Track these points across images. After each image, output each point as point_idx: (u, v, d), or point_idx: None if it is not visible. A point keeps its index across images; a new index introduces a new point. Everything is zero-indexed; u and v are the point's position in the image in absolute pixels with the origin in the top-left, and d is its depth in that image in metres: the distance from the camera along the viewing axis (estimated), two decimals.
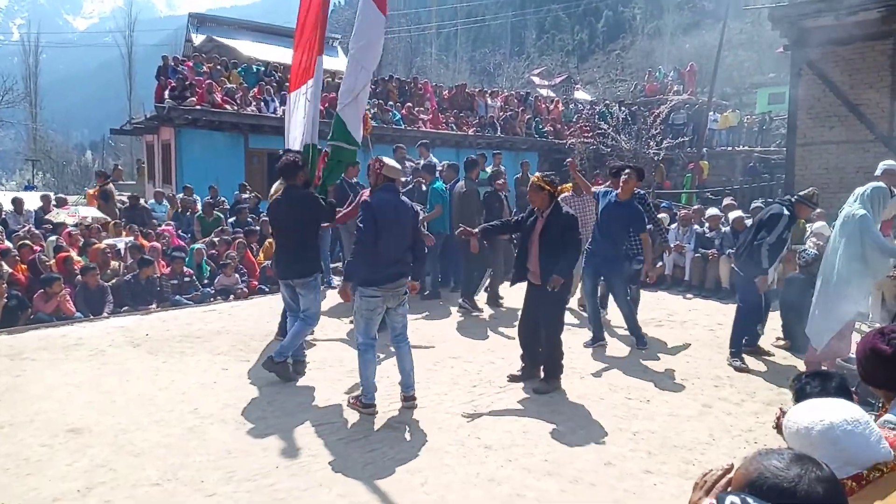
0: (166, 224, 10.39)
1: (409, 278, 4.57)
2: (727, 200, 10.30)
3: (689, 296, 8.61)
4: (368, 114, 7.08)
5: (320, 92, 5.91)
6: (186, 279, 8.08)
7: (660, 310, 7.71)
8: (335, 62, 24.11)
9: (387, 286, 4.35)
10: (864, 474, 1.56)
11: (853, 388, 2.50)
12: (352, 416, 4.37)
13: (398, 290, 4.44)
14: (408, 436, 4.08)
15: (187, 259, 8.44)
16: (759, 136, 23.07)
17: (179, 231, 10.33)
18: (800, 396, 2.11)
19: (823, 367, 4.74)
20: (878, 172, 6.15)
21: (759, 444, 3.93)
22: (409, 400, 4.58)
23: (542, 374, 5.04)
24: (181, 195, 12.22)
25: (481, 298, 7.75)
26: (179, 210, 11.35)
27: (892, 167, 6.33)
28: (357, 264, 4.38)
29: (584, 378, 5.26)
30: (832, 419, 1.57)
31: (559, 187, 4.93)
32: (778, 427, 2.28)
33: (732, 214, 8.95)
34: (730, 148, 22.32)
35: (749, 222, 8.73)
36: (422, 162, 9.07)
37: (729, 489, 1.41)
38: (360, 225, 4.31)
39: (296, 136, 5.81)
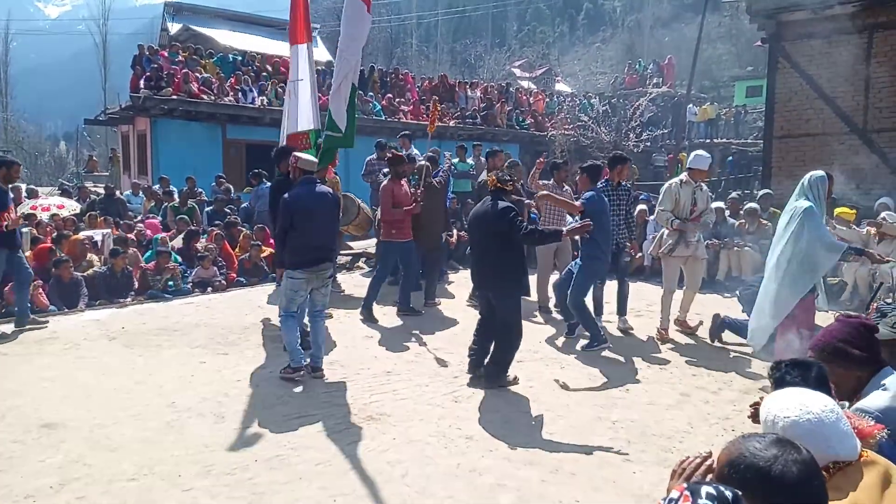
0: (149, 217, 10.22)
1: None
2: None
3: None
4: (437, 112, 7.46)
5: (310, 81, 6.58)
6: (169, 276, 7.88)
7: (639, 300, 7.76)
8: (315, 52, 23.76)
9: (310, 269, 4.83)
10: (829, 466, 1.59)
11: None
12: (332, 409, 4.34)
13: (321, 273, 4.90)
14: (389, 427, 4.06)
15: (151, 251, 8.30)
16: (737, 129, 23.36)
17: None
18: (779, 385, 2.13)
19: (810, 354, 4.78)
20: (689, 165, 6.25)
21: (736, 432, 3.97)
22: (316, 371, 4.91)
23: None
24: (157, 186, 12.04)
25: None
26: (155, 204, 11.18)
27: (700, 160, 6.20)
28: (279, 253, 5.11)
29: (564, 368, 5.29)
30: (797, 416, 1.59)
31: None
32: (753, 417, 2.30)
33: (712, 206, 9.04)
34: (708, 140, 22.56)
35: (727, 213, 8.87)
36: (404, 153, 9.02)
37: (709, 476, 1.42)
38: (279, 219, 4.90)
39: (291, 121, 6.50)
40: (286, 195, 4.87)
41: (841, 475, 1.59)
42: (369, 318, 6.59)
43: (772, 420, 1.65)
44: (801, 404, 1.61)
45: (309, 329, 5.13)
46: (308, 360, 4.96)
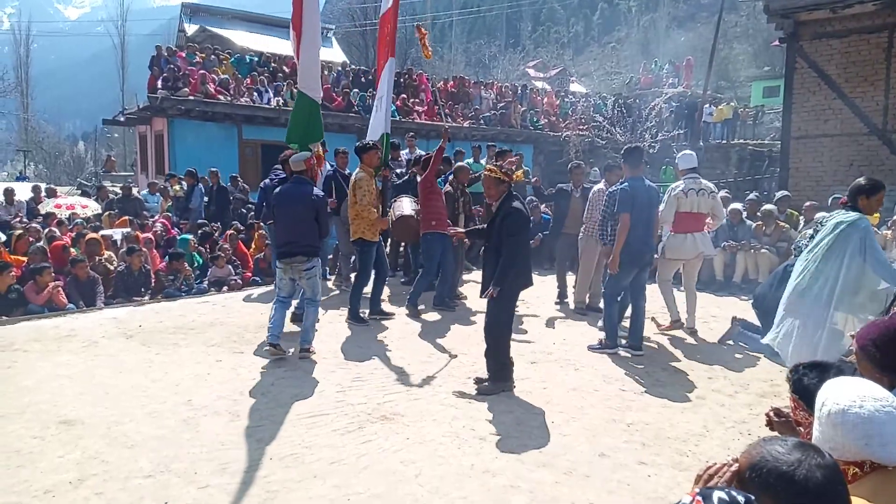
0: (162, 216, 10.35)
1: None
2: (722, 193, 10.31)
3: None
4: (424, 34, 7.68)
5: (391, 88, 7.22)
6: (182, 278, 7.95)
7: (654, 302, 7.70)
8: (327, 52, 23.94)
9: (284, 261, 5.32)
10: (863, 463, 1.56)
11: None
12: (346, 408, 4.36)
13: (295, 265, 5.29)
14: (402, 427, 4.07)
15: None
16: (754, 129, 23.12)
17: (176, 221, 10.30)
18: (797, 388, 2.10)
19: None
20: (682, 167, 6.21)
21: (752, 436, 3.94)
22: (303, 352, 5.34)
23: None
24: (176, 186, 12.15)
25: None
26: (171, 203, 11.30)
27: (686, 160, 6.24)
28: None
29: (578, 370, 5.27)
30: (847, 405, 1.56)
31: (513, 175, 4.76)
32: (770, 426, 2.27)
33: (729, 207, 8.98)
34: (724, 141, 22.34)
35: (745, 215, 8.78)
36: (406, 154, 9.09)
37: (734, 483, 1.41)
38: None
39: (374, 127, 7.05)
40: (277, 189, 5.49)
41: (878, 475, 1.56)
42: (415, 315, 6.75)
43: (822, 401, 1.63)
44: (859, 396, 1.58)
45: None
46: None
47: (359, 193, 6.28)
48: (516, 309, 5.09)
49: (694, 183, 6.15)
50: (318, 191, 5.48)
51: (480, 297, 4.72)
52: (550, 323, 6.77)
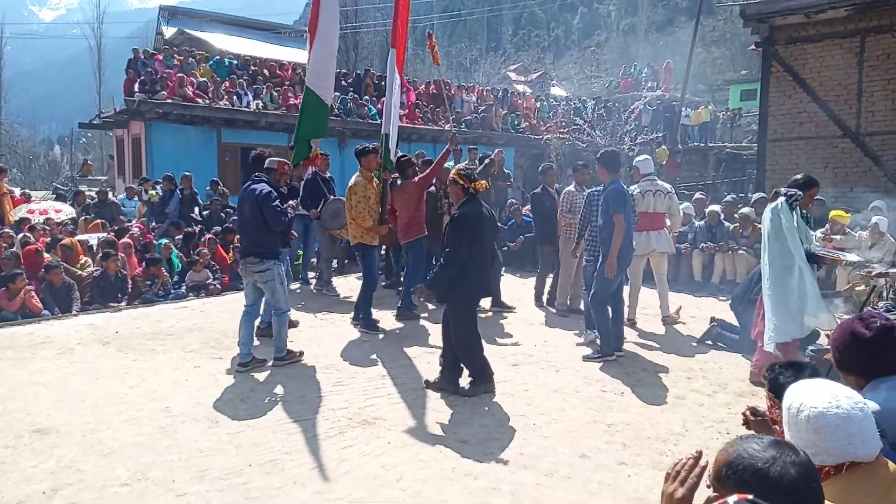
0: (138, 221, 10.21)
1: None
2: (698, 195, 10.44)
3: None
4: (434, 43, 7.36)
5: (395, 85, 6.85)
6: (160, 283, 7.85)
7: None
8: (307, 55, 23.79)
9: (241, 261, 5.38)
10: (846, 464, 1.58)
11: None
12: (327, 413, 4.33)
13: (248, 265, 5.23)
14: (383, 431, 4.05)
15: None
16: (731, 132, 23.44)
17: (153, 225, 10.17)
18: (773, 386, 2.13)
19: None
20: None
21: (731, 435, 3.98)
22: (276, 361, 5.30)
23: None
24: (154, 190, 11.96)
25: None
26: (147, 209, 11.14)
27: (645, 165, 6.86)
28: None
29: (559, 371, 5.29)
30: (825, 407, 1.57)
31: (475, 183, 4.63)
32: (747, 425, 2.30)
33: (707, 209, 9.10)
34: (702, 144, 22.62)
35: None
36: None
37: (706, 476, 1.42)
38: None
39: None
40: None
41: (851, 474, 1.58)
42: (409, 317, 6.74)
43: (796, 408, 1.62)
44: (832, 397, 1.59)
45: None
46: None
47: (353, 199, 6.17)
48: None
49: (650, 185, 6.65)
50: (262, 187, 5.10)
51: (426, 295, 5.01)
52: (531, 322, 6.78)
